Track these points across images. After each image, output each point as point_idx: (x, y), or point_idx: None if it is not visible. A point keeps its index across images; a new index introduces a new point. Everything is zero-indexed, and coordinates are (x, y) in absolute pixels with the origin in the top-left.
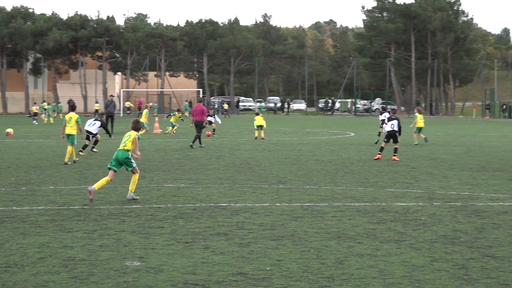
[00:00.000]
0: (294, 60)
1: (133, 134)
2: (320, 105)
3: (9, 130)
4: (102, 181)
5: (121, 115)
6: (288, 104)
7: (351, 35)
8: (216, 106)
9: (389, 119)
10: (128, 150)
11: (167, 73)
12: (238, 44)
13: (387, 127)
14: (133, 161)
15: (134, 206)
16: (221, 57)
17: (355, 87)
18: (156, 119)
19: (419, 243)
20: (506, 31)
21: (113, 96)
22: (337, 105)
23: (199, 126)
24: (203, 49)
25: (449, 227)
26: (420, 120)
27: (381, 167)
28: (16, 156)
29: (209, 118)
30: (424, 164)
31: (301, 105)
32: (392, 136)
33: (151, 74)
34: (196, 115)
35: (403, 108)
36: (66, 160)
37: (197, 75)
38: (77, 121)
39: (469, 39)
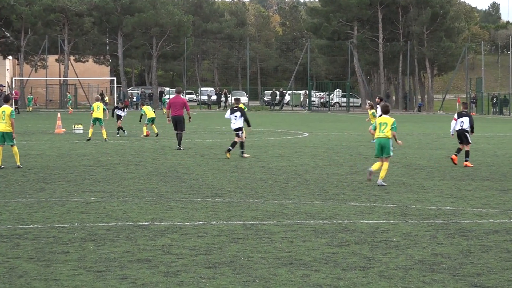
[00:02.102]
0: (233, 41)
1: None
2: (265, 98)
3: None
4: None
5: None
6: (226, 97)
7: (303, 11)
8: (135, 99)
9: (459, 115)
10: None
11: (72, 58)
12: (162, 21)
13: (456, 125)
14: None
15: (30, 226)
16: (140, 37)
17: (309, 75)
18: (59, 115)
19: (390, 270)
20: (495, 6)
21: (4, 86)
22: (287, 97)
23: (180, 122)
24: (117, 27)
25: (427, 250)
26: (372, 116)
27: (342, 176)
28: None
29: (119, 112)
30: (395, 172)
31: (242, 98)
32: (461, 136)
33: (52, 59)
34: (175, 109)
35: (368, 102)
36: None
37: (110, 60)
38: (11, 115)
39: (449, 16)
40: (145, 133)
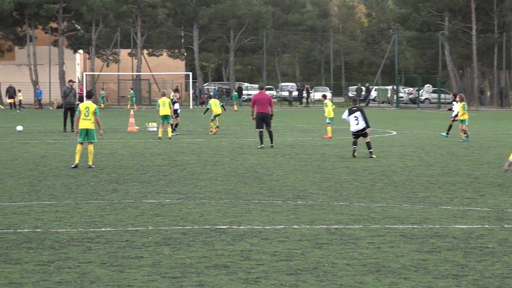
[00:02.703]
0: (315, 33)
1: None
2: (350, 94)
3: None
4: None
5: None
6: (308, 93)
7: (390, 1)
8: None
9: None
10: None
11: (145, 51)
12: (240, 12)
13: None
14: None
15: (102, 229)
16: (217, 29)
17: (397, 69)
18: (132, 112)
19: (485, 279)
20: None
21: (73, 82)
22: (373, 93)
23: (267, 119)
24: (193, 18)
25: None
26: (462, 110)
27: (433, 177)
28: None
29: (177, 107)
30: (491, 174)
31: (327, 94)
32: None
33: (124, 53)
34: (261, 106)
35: (459, 94)
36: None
37: (185, 54)
38: (95, 113)
39: None
40: (213, 130)
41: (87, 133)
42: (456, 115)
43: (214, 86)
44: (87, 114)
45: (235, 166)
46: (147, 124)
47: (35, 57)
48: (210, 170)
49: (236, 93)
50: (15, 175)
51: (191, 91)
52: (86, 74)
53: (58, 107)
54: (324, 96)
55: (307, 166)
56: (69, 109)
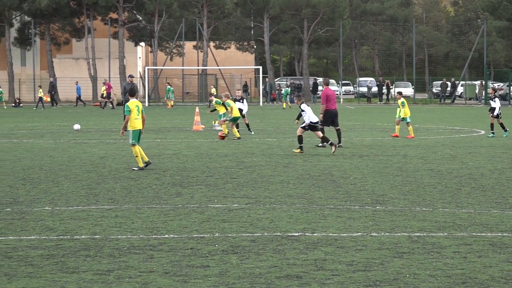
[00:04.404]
0: (396, 24)
1: None
2: (434, 90)
3: None
4: None
5: (146, 103)
6: (388, 88)
7: None
8: (283, 91)
9: None
10: None
11: (212, 44)
12: (314, 1)
13: None
14: None
15: (165, 236)
16: (290, 20)
17: (486, 63)
18: (197, 110)
19: None
20: None
21: (133, 77)
22: (460, 89)
23: (337, 116)
24: (263, 8)
25: None
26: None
27: None
28: None
29: (240, 106)
30: None
31: (407, 90)
32: None
33: (189, 45)
34: (332, 102)
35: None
36: (141, 165)
37: (254, 47)
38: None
39: None
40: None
41: (140, 133)
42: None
43: (286, 81)
44: (138, 113)
45: (308, 168)
46: (213, 122)
47: (94, 50)
48: (281, 172)
49: (288, 88)
50: (72, 177)
51: (261, 87)
52: (148, 69)
53: (118, 104)
54: (400, 94)
55: (387, 169)
56: None
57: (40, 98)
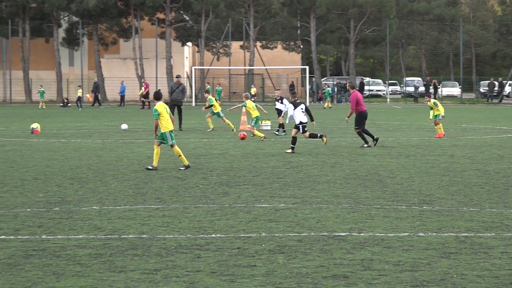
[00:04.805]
0: (443, 23)
1: None
2: (482, 89)
3: (35, 125)
4: None
5: (193, 103)
6: (436, 88)
7: None
8: (331, 91)
9: None
10: None
11: (258, 44)
12: (361, 1)
13: None
14: None
15: (212, 236)
16: (336, 19)
17: None
18: (243, 110)
19: None
20: None
21: (180, 77)
22: (507, 89)
23: (365, 118)
24: (310, 8)
25: None
26: None
27: None
28: (46, 163)
29: (279, 106)
30: None
31: (454, 89)
32: None
33: (236, 45)
34: (362, 104)
35: None
36: (186, 163)
37: (301, 47)
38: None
39: None
40: (261, 135)
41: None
42: None
43: (333, 81)
44: (167, 115)
45: (355, 168)
46: (260, 122)
47: (141, 50)
48: (328, 172)
49: (328, 89)
50: (120, 177)
51: (307, 87)
52: (195, 69)
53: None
54: (429, 96)
55: (434, 169)
56: (176, 106)
57: (79, 98)
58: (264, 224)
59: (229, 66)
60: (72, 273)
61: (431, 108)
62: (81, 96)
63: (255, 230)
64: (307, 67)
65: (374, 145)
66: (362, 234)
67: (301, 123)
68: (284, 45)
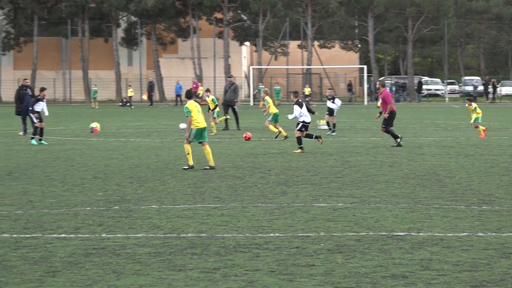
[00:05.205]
0: (502, 22)
1: None
2: None
3: (95, 125)
4: None
5: (251, 103)
6: (494, 87)
7: None
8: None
9: None
10: None
11: (316, 43)
12: (419, 0)
13: None
14: None
15: (271, 235)
16: (394, 18)
17: None
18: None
19: None
20: None
21: (233, 77)
22: None
23: (394, 118)
24: (367, 7)
25: None
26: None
27: None
28: (105, 162)
29: (331, 105)
30: None
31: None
32: None
33: (293, 44)
34: (391, 102)
35: None
36: (190, 163)
37: (359, 46)
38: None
39: None
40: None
41: (202, 131)
42: None
43: (391, 80)
44: (199, 113)
45: (413, 167)
46: (318, 121)
47: (199, 50)
48: (386, 171)
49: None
50: (179, 176)
51: (365, 86)
52: (252, 68)
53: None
54: (470, 100)
55: (493, 168)
56: (229, 106)
57: (130, 98)
58: (322, 224)
59: (287, 65)
60: (132, 272)
61: (473, 112)
62: (131, 96)
63: (314, 229)
64: (365, 67)
65: (396, 146)
66: (421, 234)
67: (304, 122)
68: (342, 44)
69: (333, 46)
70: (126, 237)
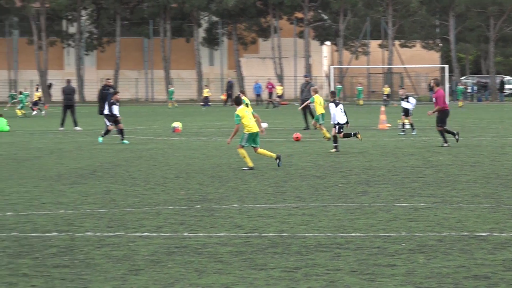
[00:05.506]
0: None
1: None
2: None
3: (177, 124)
4: None
5: None
6: None
7: None
8: (470, 90)
9: None
10: None
11: (397, 42)
12: None
13: None
14: None
15: (352, 235)
16: (475, 17)
17: None
18: (382, 108)
19: None
20: None
21: (308, 77)
22: None
23: (447, 117)
24: (449, 6)
25: None
26: None
27: None
28: (187, 161)
29: (405, 105)
30: None
31: None
32: None
33: (374, 44)
34: (442, 102)
35: None
36: (250, 165)
37: (440, 45)
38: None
39: None
40: (326, 135)
41: (255, 136)
42: None
43: (472, 79)
44: (251, 118)
45: (496, 167)
46: (398, 121)
47: (280, 49)
48: (468, 171)
49: (461, 87)
50: (259, 175)
51: (447, 85)
52: (333, 68)
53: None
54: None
55: None
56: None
57: (206, 97)
58: (403, 224)
59: (368, 65)
60: (214, 270)
61: None
62: (208, 96)
63: (395, 229)
64: (446, 66)
65: (457, 141)
66: (503, 235)
67: (338, 123)
68: (423, 43)
69: (414, 46)
70: (208, 236)
